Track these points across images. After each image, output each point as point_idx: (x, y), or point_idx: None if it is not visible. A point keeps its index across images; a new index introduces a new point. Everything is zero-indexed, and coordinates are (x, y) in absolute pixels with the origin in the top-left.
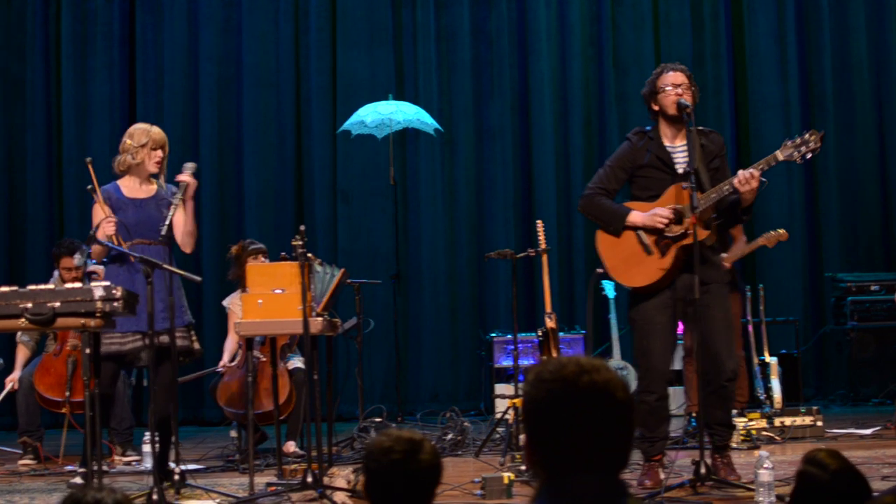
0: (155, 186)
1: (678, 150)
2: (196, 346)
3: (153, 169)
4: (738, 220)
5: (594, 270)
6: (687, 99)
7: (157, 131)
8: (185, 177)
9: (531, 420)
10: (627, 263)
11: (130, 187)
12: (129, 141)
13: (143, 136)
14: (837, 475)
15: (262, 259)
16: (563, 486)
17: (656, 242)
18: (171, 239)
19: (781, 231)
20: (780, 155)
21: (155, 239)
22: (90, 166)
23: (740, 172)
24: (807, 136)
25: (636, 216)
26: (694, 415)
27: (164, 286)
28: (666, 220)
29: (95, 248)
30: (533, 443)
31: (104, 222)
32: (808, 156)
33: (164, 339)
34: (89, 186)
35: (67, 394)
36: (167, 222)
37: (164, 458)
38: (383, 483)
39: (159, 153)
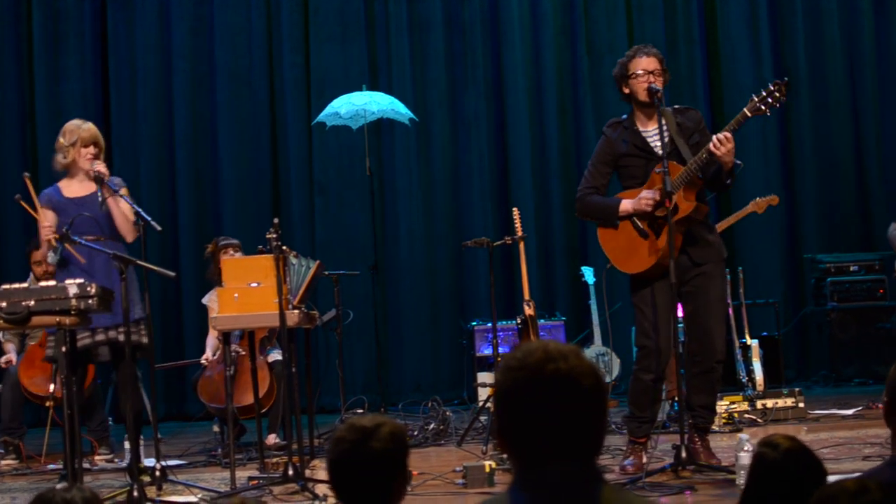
0: (94, 183)
1: (653, 133)
2: (144, 339)
3: (86, 166)
4: (724, 186)
5: (575, 256)
6: (658, 84)
7: (87, 128)
8: (99, 167)
9: (500, 408)
10: (627, 252)
11: (69, 187)
12: (61, 139)
13: (73, 135)
14: (788, 454)
15: (234, 253)
16: (536, 474)
17: (650, 225)
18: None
19: (772, 196)
20: (747, 111)
21: (101, 234)
22: (27, 181)
23: (714, 137)
24: (771, 87)
25: (626, 204)
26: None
27: (109, 282)
28: (652, 202)
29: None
30: (502, 431)
31: (43, 231)
32: (777, 105)
33: (119, 335)
34: (17, 196)
35: (52, 386)
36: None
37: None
38: (340, 473)
39: (91, 150)
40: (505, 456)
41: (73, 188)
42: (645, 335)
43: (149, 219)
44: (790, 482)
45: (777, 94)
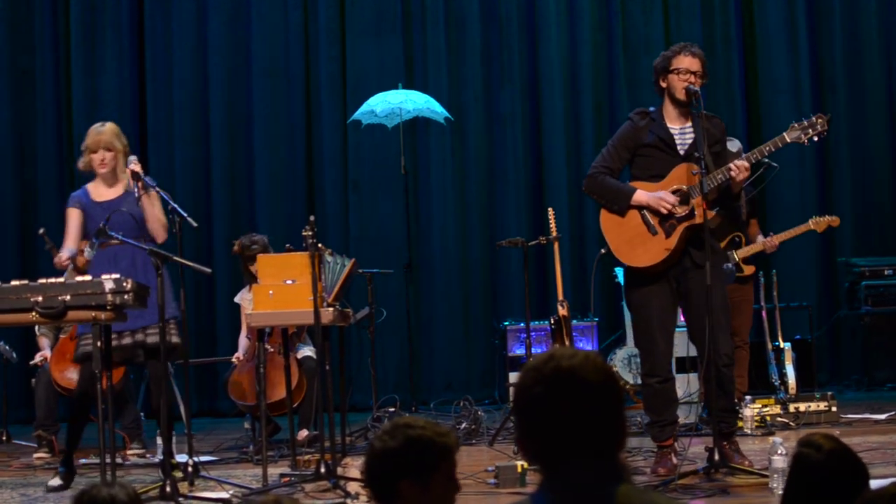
0: (123, 185)
1: (681, 132)
2: (174, 339)
3: (100, 171)
4: (731, 205)
5: (599, 251)
6: (697, 87)
7: (96, 132)
8: (135, 166)
9: (515, 411)
10: (632, 243)
11: (96, 190)
12: (82, 146)
13: (87, 140)
14: (831, 455)
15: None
16: (557, 473)
17: (661, 223)
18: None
19: (834, 217)
20: (787, 137)
21: (135, 235)
22: (45, 237)
23: (735, 163)
24: (814, 119)
25: (642, 195)
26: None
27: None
28: (671, 207)
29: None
30: (518, 433)
31: (59, 258)
32: (815, 139)
33: (147, 337)
34: (42, 230)
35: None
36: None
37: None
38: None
39: (100, 154)
40: (525, 460)
41: (101, 191)
42: (645, 338)
43: (185, 215)
44: (832, 483)
45: (819, 128)
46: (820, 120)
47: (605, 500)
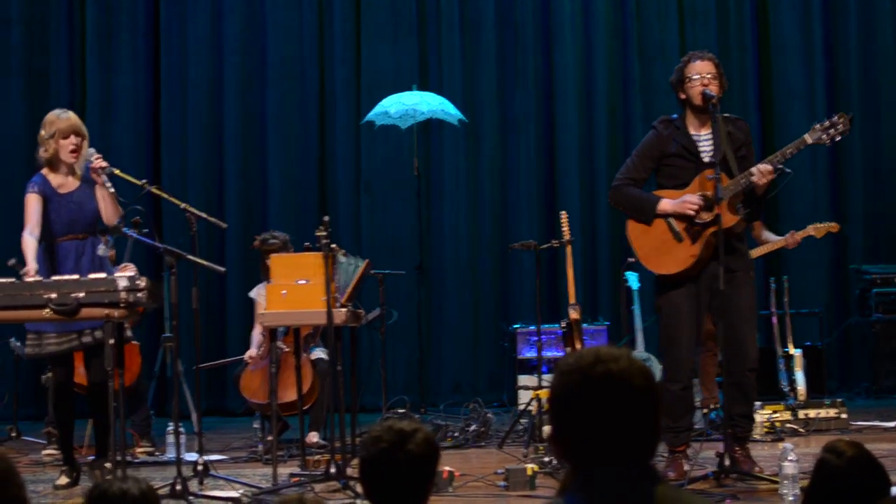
0: (78, 176)
1: (704, 138)
2: (128, 333)
3: (68, 159)
4: (757, 209)
5: (625, 259)
6: (713, 89)
7: (65, 118)
8: (102, 162)
9: (553, 412)
10: (658, 251)
11: (55, 180)
12: (42, 132)
13: (52, 126)
14: (853, 462)
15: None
16: (591, 476)
17: (686, 229)
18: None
19: (833, 223)
20: (808, 138)
21: (85, 233)
22: (16, 267)
23: (758, 167)
24: (836, 118)
25: (666, 203)
26: (713, 407)
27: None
28: (696, 207)
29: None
30: (557, 435)
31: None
32: (837, 138)
33: (95, 335)
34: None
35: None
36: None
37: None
38: (372, 471)
39: (71, 140)
40: (548, 458)
41: (60, 181)
42: (670, 343)
43: (214, 220)
44: (853, 489)
45: (841, 127)
46: (842, 119)
47: (645, 501)
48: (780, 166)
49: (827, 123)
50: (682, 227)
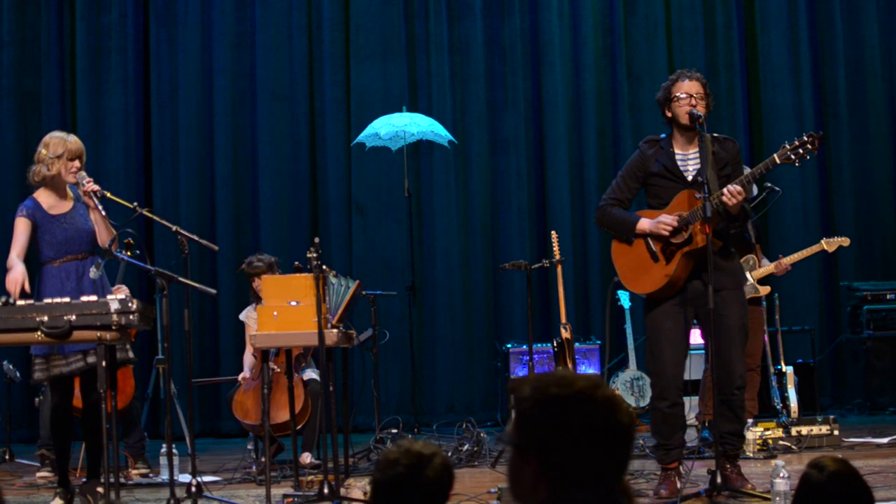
0: (72, 198)
1: (691, 157)
2: (130, 354)
3: (70, 179)
4: (733, 228)
5: (611, 280)
6: (700, 109)
7: (73, 141)
8: (94, 185)
9: (540, 437)
10: (636, 271)
11: (50, 203)
12: (43, 151)
13: (59, 147)
14: (835, 477)
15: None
16: (566, 499)
17: (662, 249)
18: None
19: (844, 238)
20: (777, 158)
21: (84, 252)
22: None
23: (727, 188)
24: (805, 137)
25: (644, 223)
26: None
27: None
28: (669, 228)
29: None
30: (541, 461)
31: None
32: (806, 157)
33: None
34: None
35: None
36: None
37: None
38: (386, 495)
39: (76, 163)
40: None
41: (52, 203)
42: (656, 361)
43: (206, 243)
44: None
45: (809, 147)
46: (809, 138)
47: None
48: (769, 184)
49: (796, 143)
50: (658, 248)
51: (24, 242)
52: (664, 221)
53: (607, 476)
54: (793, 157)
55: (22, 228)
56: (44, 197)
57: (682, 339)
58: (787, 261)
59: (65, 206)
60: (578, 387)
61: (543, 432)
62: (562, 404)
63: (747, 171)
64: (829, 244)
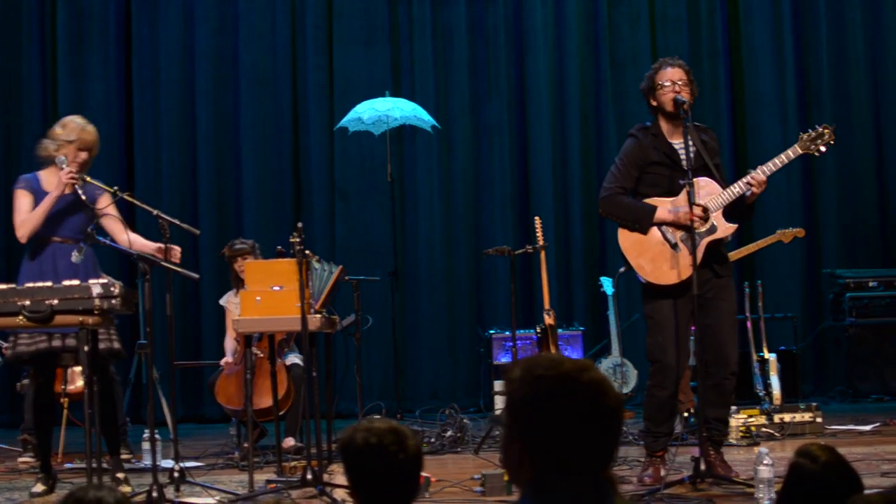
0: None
1: (679, 146)
2: (116, 345)
3: (71, 166)
4: (746, 218)
5: (595, 266)
6: (685, 95)
7: (89, 132)
8: (71, 175)
9: (526, 418)
10: (656, 261)
11: (49, 181)
12: (59, 130)
13: (73, 133)
14: (828, 467)
15: (243, 261)
16: (549, 486)
17: (683, 239)
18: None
19: (799, 229)
20: (798, 149)
21: (77, 238)
22: None
23: (756, 175)
24: (821, 129)
25: (664, 213)
26: (691, 411)
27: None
28: (699, 220)
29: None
30: (526, 442)
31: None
32: (823, 149)
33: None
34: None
35: (63, 387)
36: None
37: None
38: (372, 475)
39: (84, 155)
40: (510, 469)
41: (54, 182)
42: (661, 350)
43: (187, 227)
44: (827, 493)
45: (826, 137)
46: (826, 130)
47: None
48: (750, 170)
49: (813, 134)
50: (678, 237)
51: (28, 208)
52: (695, 213)
53: (593, 461)
54: (812, 147)
55: (21, 197)
56: (46, 175)
57: (688, 330)
58: (743, 251)
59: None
60: (565, 369)
61: (528, 413)
62: (547, 385)
63: (769, 163)
64: (784, 235)
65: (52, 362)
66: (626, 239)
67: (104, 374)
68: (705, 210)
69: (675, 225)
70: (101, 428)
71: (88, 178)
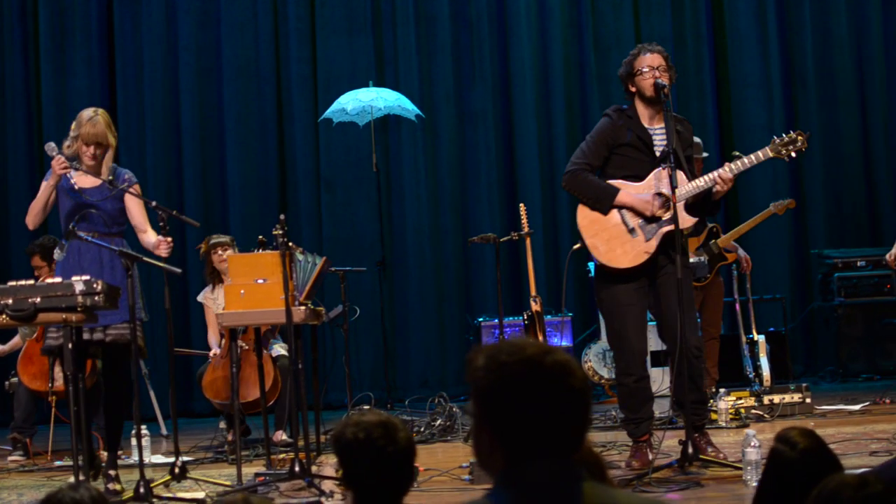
0: (105, 178)
1: (656, 132)
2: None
3: (88, 162)
4: (710, 213)
5: (571, 247)
6: (664, 81)
7: (90, 126)
8: (62, 163)
9: (492, 405)
10: (611, 244)
11: (77, 176)
12: (73, 125)
13: (77, 127)
14: (806, 453)
15: (223, 253)
16: (520, 472)
17: (641, 225)
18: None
19: (790, 200)
20: (769, 152)
21: (102, 234)
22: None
23: (719, 174)
24: (794, 135)
25: (626, 196)
26: (713, 389)
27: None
28: (660, 211)
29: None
30: (493, 429)
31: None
32: (794, 154)
33: (106, 336)
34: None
35: (50, 385)
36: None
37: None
38: (360, 463)
39: (91, 150)
40: (479, 457)
41: (81, 178)
42: (617, 337)
43: (187, 219)
44: (806, 480)
45: (798, 144)
46: (800, 137)
47: (572, 498)
48: (736, 152)
49: (786, 139)
50: (636, 223)
51: (42, 196)
52: (654, 205)
53: (563, 445)
54: (783, 152)
55: (41, 187)
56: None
57: (644, 313)
58: (742, 229)
59: (89, 183)
60: (528, 354)
61: (494, 400)
62: (510, 371)
63: (738, 161)
64: (778, 207)
65: (81, 354)
66: (585, 217)
67: (116, 368)
68: (665, 199)
69: (635, 210)
70: (105, 422)
71: (104, 176)
